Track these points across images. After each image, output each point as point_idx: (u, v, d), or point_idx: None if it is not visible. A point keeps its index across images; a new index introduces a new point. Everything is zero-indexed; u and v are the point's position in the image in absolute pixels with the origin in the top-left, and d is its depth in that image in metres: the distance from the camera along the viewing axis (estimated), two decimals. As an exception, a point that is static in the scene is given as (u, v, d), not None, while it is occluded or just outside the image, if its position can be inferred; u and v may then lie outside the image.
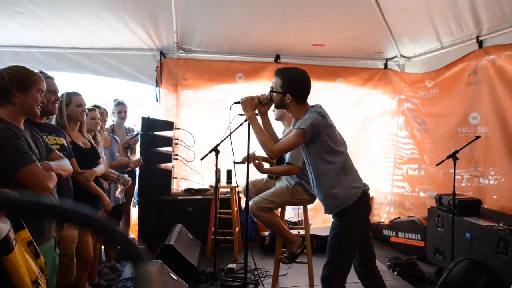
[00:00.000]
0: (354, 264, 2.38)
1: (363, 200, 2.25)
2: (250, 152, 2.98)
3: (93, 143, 2.75)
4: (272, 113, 3.26)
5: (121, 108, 4.09)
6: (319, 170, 2.24)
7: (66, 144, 2.26)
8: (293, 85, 2.25)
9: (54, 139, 2.19)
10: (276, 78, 2.29)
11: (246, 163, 2.81)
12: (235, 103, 2.43)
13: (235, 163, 2.96)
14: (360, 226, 2.26)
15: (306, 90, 2.29)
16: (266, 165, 3.41)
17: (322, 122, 2.17)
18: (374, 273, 2.43)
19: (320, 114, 2.19)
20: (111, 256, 3.77)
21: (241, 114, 2.47)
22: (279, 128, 3.05)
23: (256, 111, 2.38)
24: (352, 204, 2.19)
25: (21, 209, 0.54)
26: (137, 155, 4.19)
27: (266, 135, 2.29)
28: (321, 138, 2.17)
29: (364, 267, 2.41)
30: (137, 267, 0.48)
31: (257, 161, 3.13)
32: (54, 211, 0.54)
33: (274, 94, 2.28)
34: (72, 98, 2.53)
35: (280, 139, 2.36)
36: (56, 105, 2.22)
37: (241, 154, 2.78)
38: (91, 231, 2.51)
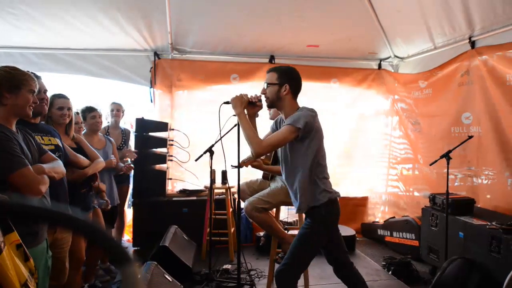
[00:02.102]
0: (326, 255, 2.43)
1: (335, 204, 2.29)
2: (247, 155, 2.98)
3: (81, 144, 2.71)
4: (267, 112, 3.26)
5: (114, 106, 4.07)
6: (298, 170, 2.26)
7: (61, 145, 2.24)
8: (290, 76, 2.30)
9: (49, 140, 2.17)
10: (270, 73, 2.32)
11: (241, 166, 2.81)
12: (225, 103, 2.44)
13: (232, 166, 2.95)
14: (329, 231, 2.31)
15: (300, 84, 2.35)
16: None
17: (315, 121, 2.22)
18: (344, 265, 2.45)
19: (313, 113, 2.24)
20: (105, 258, 3.75)
21: (235, 115, 2.46)
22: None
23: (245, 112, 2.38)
24: (322, 206, 2.22)
25: (7, 211, 0.54)
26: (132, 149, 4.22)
27: (254, 131, 2.30)
28: (311, 137, 2.21)
29: (333, 259, 2.45)
30: (124, 269, 0.48)
31: (255, 162, 3.13)
32: (39, 213, 0.54)
33: (270, 87, 2.29)
34: (54, 100, 2.47)
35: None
36: (44, 104, 2.15)
37: (235, 156, 2.78)
38: (75, 232, 2.49)
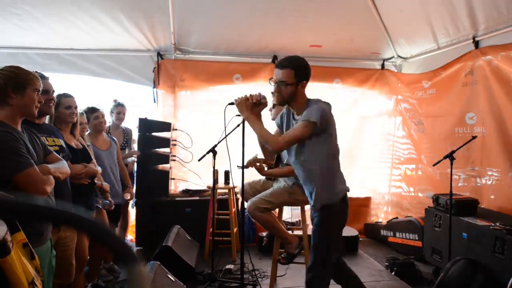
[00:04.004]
0: None
1: (346, 200, 2.33)
2: (252, 156, 2.98)
3: (85, 145, 2.73)
4: (268, 113, 3.25)
5: (120, 109, 4.10)
6: (314, 165, 2.22)
7: (64, 146, 2.26)
8: (305, 70, 2.25)
9: (53, 140, 2.18)
10: (285, 70, 2.19)
11: (247, 166, 2.81)
12: (229, 104, 2.43)
13: (238, 167, 2.95)
14: (341, 226, 2.33)
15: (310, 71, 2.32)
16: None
17: (331, 115, 2.22)
18: (340, 263, 2.45)
19: (329, 106, 2.24)
20: (109, 257, 3.76)
21: (238, 115, 2.46)
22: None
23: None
24: (336, 204, 2.24)
25: (13, 211, 0.54)
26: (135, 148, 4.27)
27: (267, 131, 2.28)
28: (327, 132, 2.19)
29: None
30: (129, 268, 0.48)
31: (258, 164, 3.12)
32: (43, 211, 0.54)
33: (287, 87, 2.19)
34: (61, 100, 2.50)
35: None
36: (51, 105, 2.18)
37: (239, 156, 2.78)
38: (80, 230, 2.50)
